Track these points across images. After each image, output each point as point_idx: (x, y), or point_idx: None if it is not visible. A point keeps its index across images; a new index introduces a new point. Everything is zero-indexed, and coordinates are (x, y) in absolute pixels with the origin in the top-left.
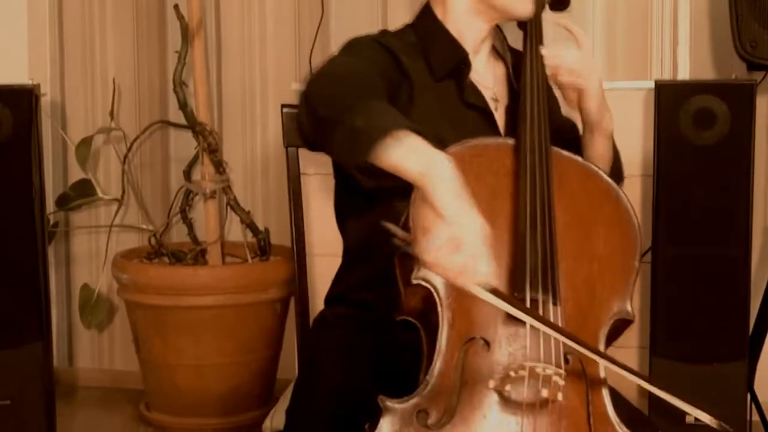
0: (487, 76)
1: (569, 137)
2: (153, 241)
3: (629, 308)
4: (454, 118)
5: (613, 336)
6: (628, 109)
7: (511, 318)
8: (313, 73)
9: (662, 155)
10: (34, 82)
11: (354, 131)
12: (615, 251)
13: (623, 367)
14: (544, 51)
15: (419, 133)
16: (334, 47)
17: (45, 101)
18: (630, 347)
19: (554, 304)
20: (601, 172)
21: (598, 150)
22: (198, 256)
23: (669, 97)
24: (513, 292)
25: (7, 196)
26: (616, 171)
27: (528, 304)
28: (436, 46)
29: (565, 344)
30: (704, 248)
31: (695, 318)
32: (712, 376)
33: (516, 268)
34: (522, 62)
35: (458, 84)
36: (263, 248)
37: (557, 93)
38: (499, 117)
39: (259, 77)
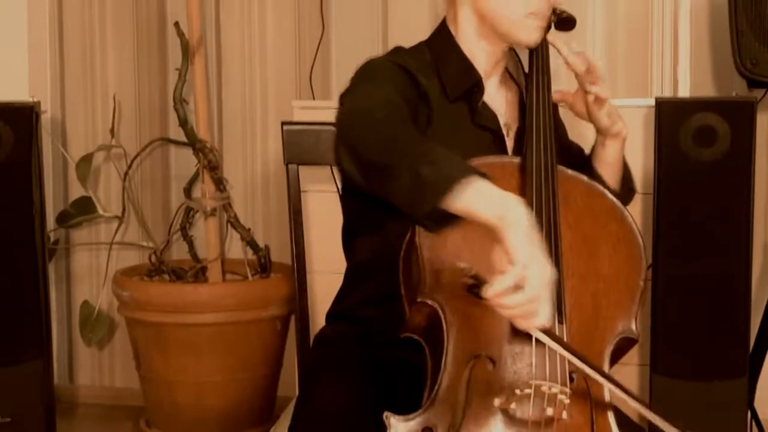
0: (499, 101)
1: (576, 161)
2: (153, 258)
3: (634, 327)
4: (466, 140)
5: (617, 355)
6: (628, 126)
7: (516, 336)
8: (342, 111)
9: (663, 172)
10: (35, 100)
11: (420, 181)
12: (620, 270)
13: (627, 391)
14: (569, 53)
15: (484, 175)
16: (335, 64)
17: (45, 118)
18: (630, 364)
19: (560, 322)
20: (606, 191)
21: (610, 158)
22: (198, 273)
23: (669, 115)
24: None
25: (7, 214)
26: (628, 184)
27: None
28: (450, 66)
29: (570, 363)
30: (705, 265)
31: (695, 335)
32: (713, 394)
33: None
34: (528, 83)
35: (470, 106)
36: (264, 265)
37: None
38: (510, 141)
39: (259, 94)
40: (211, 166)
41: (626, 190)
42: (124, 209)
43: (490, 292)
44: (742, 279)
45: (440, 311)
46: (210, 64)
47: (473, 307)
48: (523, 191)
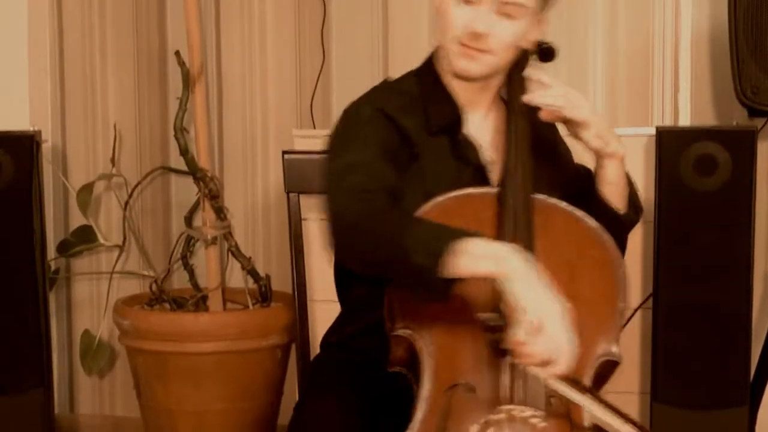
0: (486, 132)
1: (584, 185)
2: (154, 287)
3: (615, 350)
4: (448, 172)
5: (601, 379)
6: (629, 155)
7: (494, 362)
8: (327, 180)
9: (663, 201)
10: (35, 129)
11: (417, 270)
12: (600, 294)
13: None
14: (527, 97)
15: (475, 234)
16: (336, 92)
17: (46, 147)
18: (631, 393)
19: None
20: (586, 217)
21: (610, 177)
22: (199, 302)
23: (670, 144)
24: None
25: (8, 243)
26: (634, 202)
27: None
28: (433, 101)
29: (547, 387)
30: (705, 294)
31: (696, 364)
32: (713, 423)
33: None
34: (507, 111)
35: (452, 139)
36: (264, 294)
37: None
38: (495, 174)
39: (260, 123)
40: (212, 195)
41: (633, 210)
42: (124, 238)
43: (510, 341)
44: (742, 307)
45: (416, 343)
46: (211, 93)
47: (449, 336)
48: (501, 221)
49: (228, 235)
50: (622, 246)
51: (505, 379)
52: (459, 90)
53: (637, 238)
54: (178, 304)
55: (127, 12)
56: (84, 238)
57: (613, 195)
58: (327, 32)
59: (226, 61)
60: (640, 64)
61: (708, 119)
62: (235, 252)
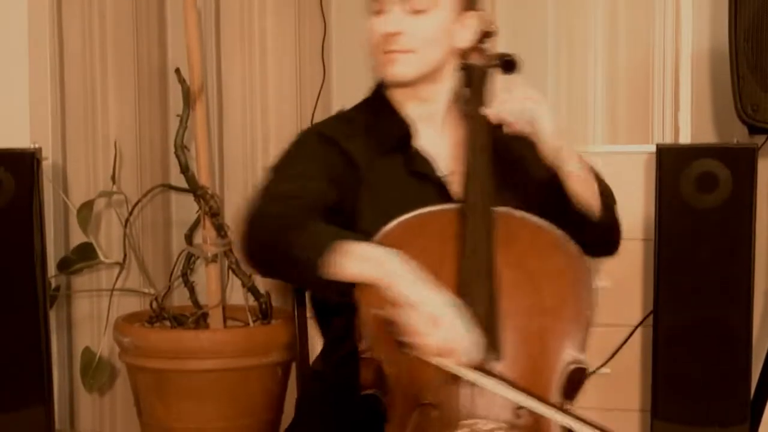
0: (442, 145)
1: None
2: (154, 304)
3: (583, 357)
4: (405, 190)
5: (572, 387)
6: (629, 172)
7: (454, 379)
8: (256, 196)
9: (664, 219)
10: (36, 146)
11: (302, 264)
12: (566, 302)
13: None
14: (483, 110)
15: (358, 238)
16: (336, 110)
17: (46, 165)
18: (631, 410)
19: (496, 359)
20: (549, 227)
21: (570, 190)
22: (200, 319)
23: (670, 161)
24: None
25: (8, 260)
26: (606, 197)
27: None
28: (380, 121)
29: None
30: (705, 312)
31: (696, 381)
32: None
33: None
34: (465, 125)
35: (405, 156)
36: (265, 312)
37: None
38: (456, 185)
39: (260, 140)
40: (212, 213)
41: (605, 204)
42: (125, 255)
43: (408, 338)
44: (743, 325)
45: (381, 364)
46: (211, 111)
47: (411, 356)
48: (461, 237)
49: (228, 252)
50: (607, 248)
51: (467, 394)
52: (407, 106)
53: (637, 255)
54: (179, 321)
55: (127, 29)
56: (84, 256)
57: (582, 203)
58: (327, 49)
59: (226, 79)
60: (641, 82)
61: (708, 137)
62: (236, 269)
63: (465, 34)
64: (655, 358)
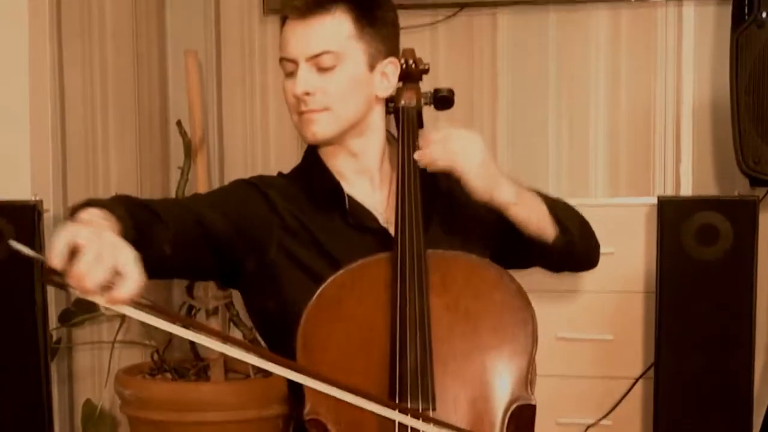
0: (379, 198)
1: (508, 226)
2: (155, 356)
3: (527, 394)
4: (345, 242)
5: (522, 425)
6: (630, 224)
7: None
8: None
9: (665, 270)
10: (37, 198)
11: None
12: (506, 339)
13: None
14: (416, 154)
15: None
16: None
17: (47, 217)
18: None
19: (433, 409)
20: (485, 264)
21: (515, 220)
22: (200, 371)
23: (671, 213)
24: (394, 402)
25: (9, 312)
26: (560, 223)
27: (408, 413)
28: (313, 179)
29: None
30: (707, 362)
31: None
32: None
33: (392, 380)
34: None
35: (341, 209)
36: None
37: None
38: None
39: None
40: None
41: (559, 223)
42: None
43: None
44: (744, 378)
45: (325, 425)
46: (212, 162)
47: (356, 414)
48: (395, 284)
49: (229, 304)
50: (581, 264)
51: None
52: (338, 161)
53: (638, 307)
54: (180, 373)
55: (128, 80)
56: (85, 308)
57: (533, 229)
58: None
59: (227, 130)
60: (642, 133)
61: (709, 189)
62: (237, 321)
63: (384, 83)
64: (656, 410)
